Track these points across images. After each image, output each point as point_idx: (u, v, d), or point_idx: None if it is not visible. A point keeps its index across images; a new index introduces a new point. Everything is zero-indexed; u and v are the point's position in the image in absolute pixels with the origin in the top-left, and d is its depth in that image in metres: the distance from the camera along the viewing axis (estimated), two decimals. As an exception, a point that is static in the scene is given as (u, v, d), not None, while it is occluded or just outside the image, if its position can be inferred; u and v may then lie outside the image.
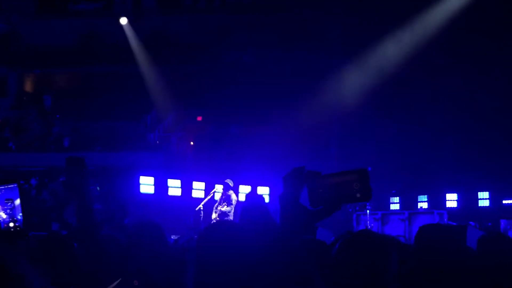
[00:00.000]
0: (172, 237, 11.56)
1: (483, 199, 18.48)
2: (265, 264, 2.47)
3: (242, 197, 16.81)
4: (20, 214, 5.66)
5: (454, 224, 13.94)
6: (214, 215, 14.24)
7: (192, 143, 21.48)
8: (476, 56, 18.62)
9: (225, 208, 14.09)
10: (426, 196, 18.74)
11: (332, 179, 2.50)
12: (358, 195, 2.46)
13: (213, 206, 14.53)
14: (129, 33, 22.35)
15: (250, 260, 2.39)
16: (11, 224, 5.51)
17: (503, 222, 14.77)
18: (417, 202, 18.66)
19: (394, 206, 18.65)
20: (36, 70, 23.90)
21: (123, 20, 22.24)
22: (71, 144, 21.15)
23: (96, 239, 3.20)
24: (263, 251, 2.49)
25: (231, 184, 14.38)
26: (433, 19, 19.12)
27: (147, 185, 17.98)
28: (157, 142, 21.33)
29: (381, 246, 2.73)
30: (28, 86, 24.80)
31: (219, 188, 14.58)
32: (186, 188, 18.28)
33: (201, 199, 15.54)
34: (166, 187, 18.19)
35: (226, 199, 14.24)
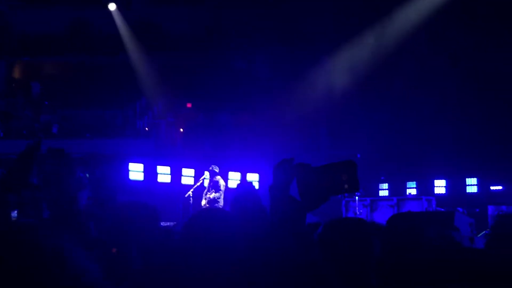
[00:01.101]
0: (161, 224, 11.57)
1: (471, 185, 18.63)
2: (253, 253, 2.49)
3: (231, 184, 16.86)
4: None
5: (443, 210, 14.07)
6: (203, 202, 14.29)
7: (181, 130, 21.46)
8: (465, 45, 18.67)
9: (214, 195, 14.13)
10: (414, 182, 18.88)
11: (321, 171, 2.55)
12: (346, 186, 2.51)
13: (203, 192, 14.57)
14: (118, 21, 22.23)
15: (237, 248, 2.41)
16: None
17: (490, 208, 14.89)
18: (405, 188, 18.80)
19: (383, 193, 18.78)
20: (25, 57, 23.76)
21: (112, 6, 22.11)
22: (60, 131, 21.08)
23: (78, 226, 3.21)
24: (251, 239, 2.51)
25: (216, 170, 14.42)
26: (422, 7, 19.13)
27: (136, 172, 17.98)
28: (147, 129, 21.29)
29: (362, 232, 2.77)
30: (17, 73, 24.65)
31: (208, 175, 14.62)
32: (176, 175, 18.30)
33: (190, 186, 15.57)
34: (155, 174, 18.19)
35: (214, 185, 14.28)
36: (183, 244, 2.42)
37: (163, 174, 18.32)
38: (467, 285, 2.94)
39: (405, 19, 19.28)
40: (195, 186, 14.93)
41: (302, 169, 2.55)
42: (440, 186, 18.80)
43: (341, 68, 20.23)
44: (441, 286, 3.03)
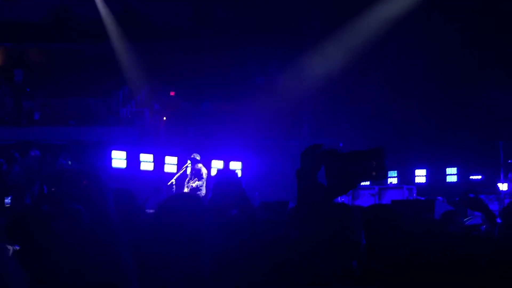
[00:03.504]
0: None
1: (451, 174, 18.84)
2: (222, 238, 2.56)
3: (214, 172, 16.90)
4: None
5: (422, 198, 14.23)
6: (186, 190, 14.31)
7: (165, 118, 21.43)
8: (448, 37, 18.80)
9: (196, 183, 14.17)
10: (395, 171, 19.02)
11: (349, 157, 2.55)
12: (374, 173, 2.53)
13: (185, 180, 14.60)
14: (101, 8, 22.05)
15: (202, 232, 2.46)
16: None
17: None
18: (387, 177, 18.96)
19: (364, 182, 18.90)
20: (7, 43, 23.53)
21: (96, -4, 21.91)
22: (43, 118, 20.96)
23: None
24: (220, 225, 2.57)
25: (197, 157, 14.45)
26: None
27: (119, 159, 17.94)
28: (130, 117, 21.23)
29: (346, 216, 2.84)
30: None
31: (190, 163, 14.66)
32: (159, 162, 18.30)
33: (173, 174, 15.60)
34: (138, 162, 18.17)
35: (196, 173, 14.31)
36: (154, 228, 2.47)
37: (146, 162, 18.31)
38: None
39: (390, 9, 19.34)
40: (178, 174, 14.96)
41: (330, 155, 2.55)
42: (420, 176, 19.00)
43: (324, 58, 20.28)
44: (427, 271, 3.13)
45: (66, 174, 14.29)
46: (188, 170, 14.77)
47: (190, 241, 2.42)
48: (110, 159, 17.84)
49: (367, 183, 18.75)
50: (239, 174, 18.03)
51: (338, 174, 2.53)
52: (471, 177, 18.43)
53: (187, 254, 2.40)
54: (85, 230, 3.29)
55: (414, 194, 15.09)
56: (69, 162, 18.80)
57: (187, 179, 14.56)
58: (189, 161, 14.76)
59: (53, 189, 14.30)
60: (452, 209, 11.81)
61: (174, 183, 14.66)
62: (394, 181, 18.51)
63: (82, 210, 3.58)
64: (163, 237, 2.43)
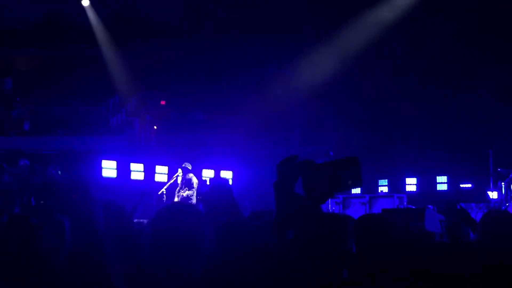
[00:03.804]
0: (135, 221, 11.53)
1: (441, 183, 18.91)
2: (221, 247, 2.54)
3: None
4: None
5: (413, 207, 14.25)
6: (176, 199, 14.26)
7: (155, 127, 21.39)
8: (438, 42, 18.89)
9: (187, 193, 14.12)
10: (386, 180, 19.09)
11: (325, 167, 2.57)
12: (349, 182, 2.54)
13: (176, 190, 14.56)
14: (91, 15, 21.97)
15: (199, 242, 2.45)
16: None
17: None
18: (377, 186, 18.98)
19: (355, 190, 18.92)
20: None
21: (85, 2, 21.85)
22: (32, 127, 20.86)
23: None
24: (214, 234, 2.56)
25: (189, 167, 14.41)
26: (396, 6, 19.25)
27: (109, 169, 17.88)
28: (120, 126, 21.17)
29: (338, 226, 2.83)
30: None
31: (181, 172, 14.62)
32: (149, 172, 18.25)
33: (164, 183, 15.55)
34: (128, 171, 18.12)
35: (187, 183, 14.26)
36: (150, 238, 2.47)
37: (137, 171, 18.26)
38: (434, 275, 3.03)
39: (380, 18, 19.39)
40: (169, 183, 14.91)
41: (306, 165, 2.56)
42: (411, 184, 19.05)
43: (314, 66, 20.31)
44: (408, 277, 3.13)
45: (55, 187, 14.20)
46: (179, 180, 14.72)
47: (188, 251, 2.41)
48: (100, 168, 17.77)
49: (358, 191, 18.79)
50: (230, 183, 17.98)
51: (315, 185, 2.54)
52: (461, 185, 18.50)
53: (184, 262, 2.40)
54: (66, 242, 3.27)
55: (405, 203, 15.11)
56: (59, 172, 18.70)
57: (178, 188, 14.51)
58: (179, 170, 14.71)
59: (42, 202, 14.21)
60: (442, 218, 11.85)
61: (164, 192, 14.61)
62: (385, 189, 18.55)
63: (65, 222, 3.55)
64: (161, 245, 2.43)
